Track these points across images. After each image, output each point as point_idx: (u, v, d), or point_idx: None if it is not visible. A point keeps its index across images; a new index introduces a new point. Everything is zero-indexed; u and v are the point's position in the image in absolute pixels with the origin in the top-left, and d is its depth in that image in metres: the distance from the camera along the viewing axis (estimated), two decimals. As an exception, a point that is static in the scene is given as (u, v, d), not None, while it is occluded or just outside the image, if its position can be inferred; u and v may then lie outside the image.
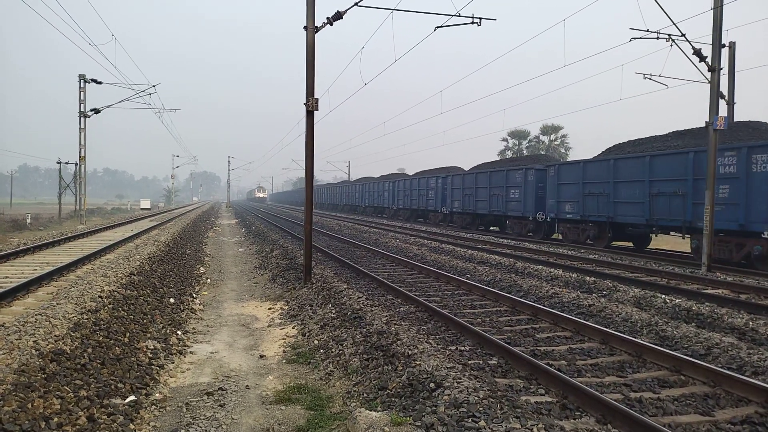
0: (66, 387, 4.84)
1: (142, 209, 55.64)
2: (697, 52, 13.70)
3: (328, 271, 12.80)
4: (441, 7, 13.71)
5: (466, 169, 35.27)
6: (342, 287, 10.31)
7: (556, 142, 63.79)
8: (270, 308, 10.44)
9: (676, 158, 16.33)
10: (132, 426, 4.79)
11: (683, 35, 13.89)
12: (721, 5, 13.38)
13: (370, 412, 4.80)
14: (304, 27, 11.42)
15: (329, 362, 6.78)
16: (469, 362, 6.05)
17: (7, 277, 10.12)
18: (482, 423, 4.24)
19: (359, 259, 15.84)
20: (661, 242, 21.43)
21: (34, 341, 5.44)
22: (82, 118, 28.50)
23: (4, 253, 12.91)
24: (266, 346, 7.90)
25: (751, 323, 7.78)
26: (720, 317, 8.23)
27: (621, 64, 17.50)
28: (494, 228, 30.07)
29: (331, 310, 8.95)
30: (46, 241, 16.07)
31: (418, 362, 5.63)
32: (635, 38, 14.52)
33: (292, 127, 35.77)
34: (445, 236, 23.86)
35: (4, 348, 5.19)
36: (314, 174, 12.50)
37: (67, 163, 40.07)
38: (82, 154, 29.18)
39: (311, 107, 11.49)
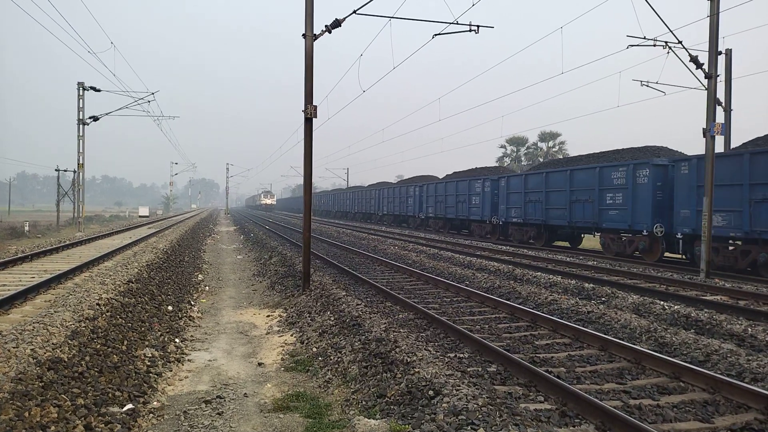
0: (63, 395, 4.82)
1: (140, 216, 55.58)
2: (694, 60, 13.77)
3: (327, 278, 12.78)
4: (439, 15, 13.79)
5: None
6: (341, 294, 10.30)
7: (554, 149, 63.97)
8: (268, 315, 10.42)
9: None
10: (129, 434, 4.76)
11: (680, 42, 13.96)
12: (718, 13, 13.47)
13: (368, 420, 4.78)
14: (303, 35, 11.47)
15: (328, 370, 6.75)
16: (468, 369, 6.03)
17: (4, 285, 10.09)
18: (481, 430, 4.23)
19: (358, 266, 15.83)
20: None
21: (32, 349, 5.42)
22: (81, 126, 28.53)
23: (1, 261, 12.88)
24: (265, 353, 7.87)
25: (750, 329, 7.77)
26: (719, 324, 8.23)
27: (618, 71, 17.60)
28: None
29: (330, 317, 8.93)
30: (44, 249, 16.04)
31: (417, 369, 5.62)
32: (632, 45, 14.61)
33: (291, 134, 35.98)
34: (443, 243, 23.87)
35: (2, 356, 5.17)
36: (313, 181, 12.50)
37: (65, 171, 40.07)
38: (81, 162, 29.18)
39: (310, 114, 11.52)
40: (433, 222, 34.74)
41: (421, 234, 30.96)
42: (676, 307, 9.39)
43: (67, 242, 19.02)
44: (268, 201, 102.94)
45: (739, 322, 8.27)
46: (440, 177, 39.58)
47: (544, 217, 22.56)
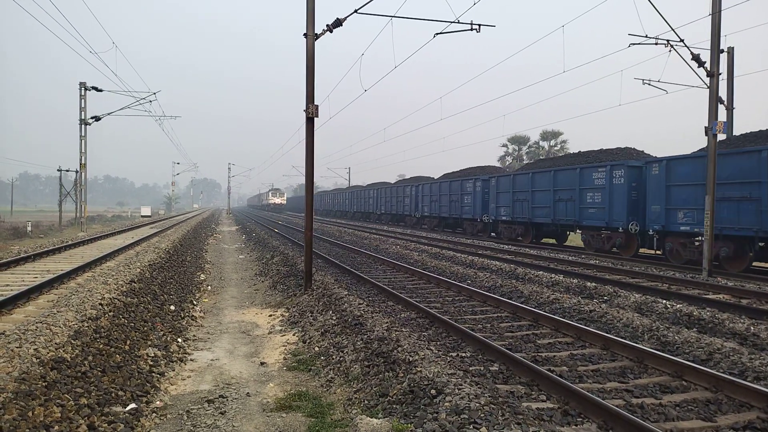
0: (66, 395, 4.83)
1: (142, 216, 55.68)
2: (696, 58, 13.75)
3: (329, 277, 12.79)
4: (440, 14, 13.79)
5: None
6: (342, 294, 10.30)
7: (556, 148, 63.92)
8: (270, 315, 10.43)
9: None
10: (132, 434, 4.77)
11: (682, 41, 13.94)
12: (720, 11, 13.44)
13: (371, 419, 4.79)
14: (304, 34, 11.47)
15: (330, 369, 6.76)
16: (470, 368, 6.03)
17: (7, 285, 10.11)
18: (483, 430, 4.23)
19: (360, 266, 15.83)
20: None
21: (35, 349, 5.44)
22: (83, 126, 28.59)
23: (4, 261, 12.91)
24: (267, 353, 7.88)
25: (752, 328, 7.77)
26: (721, 322, 8.22)
27: (620, 69, 17.56)
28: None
29: (332, 316, 8.94)
30: (46, 249, 16.07)
31: (419, 369, 5.62)
32: (634, 44, 14.59)
33: (293, 134, 36.07)
34: (444, 242, 23.88)
35: (5, 356, 5.18)
36: (315, 180, 12.51)
37: (67, 171, 40.19)
38: (83, 162, 29.25)
39: (311, 114, 11.53)
40: (506, 228, 26.48)
41: (423, 234, 30.70)
42: (678, 305, 9.38)
43: (70, 242, 19.05)
44: (277, 200, 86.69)
45: (742, 320, 8.26)
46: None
47: (760, 223, 13.64)
